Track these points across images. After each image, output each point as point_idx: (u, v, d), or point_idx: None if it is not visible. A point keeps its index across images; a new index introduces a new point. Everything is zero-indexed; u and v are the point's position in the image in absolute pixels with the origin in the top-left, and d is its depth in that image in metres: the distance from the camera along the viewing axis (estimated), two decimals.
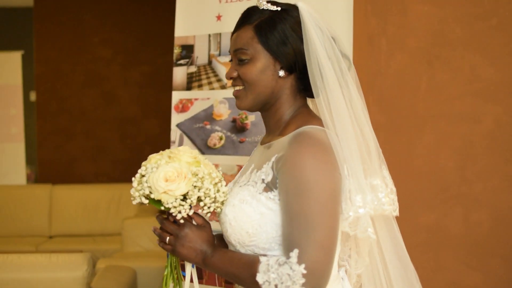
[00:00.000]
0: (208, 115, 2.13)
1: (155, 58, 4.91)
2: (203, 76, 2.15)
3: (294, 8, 1.30)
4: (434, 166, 1.93)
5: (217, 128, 2.11)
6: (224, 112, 2.10)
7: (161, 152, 1.30)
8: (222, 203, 1.26)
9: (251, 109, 1.33)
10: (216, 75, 2.12)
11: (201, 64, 2.15)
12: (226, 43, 2.11)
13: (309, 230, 1.15)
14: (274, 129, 1.34)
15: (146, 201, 1.25)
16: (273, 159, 1.23)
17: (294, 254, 1.14)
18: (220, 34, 2.12)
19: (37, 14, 4.90)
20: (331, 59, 1.28)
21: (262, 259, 1.18)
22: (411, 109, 2.01)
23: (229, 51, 1.36)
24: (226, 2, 2.11)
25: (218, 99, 2.11)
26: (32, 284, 2.50)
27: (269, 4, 1.29)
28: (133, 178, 1.27)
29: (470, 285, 1.89)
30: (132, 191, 1.27)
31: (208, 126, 2.12)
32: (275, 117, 1.34)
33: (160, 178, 1.22)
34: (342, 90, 1.28)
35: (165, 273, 1.38)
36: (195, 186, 1.23)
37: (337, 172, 1.21)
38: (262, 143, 1.40)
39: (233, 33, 1.33)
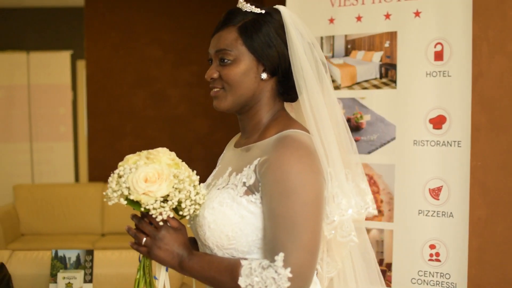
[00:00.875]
0: None
1: (205, 58, 4.95)
2: None
3: (277, 11, 1.31)
4: None
5: None
6: None
7: (138, 153, 1.29)
8: (200, 205, 1.24)
9: (230, 111, 1.31)
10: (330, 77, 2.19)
11: None
12: (339, 45, 2.18)
13: (295, 233, 1.14)
14: (251, 131, 1.33)
15: (125, 202, 1.22)
16: (255, 162, 1.22)
17: (280, 257, 1.13)
18: (333, 36, 2.20)
19: (88, 14, 4.95)
20: (311, 63, 1.29)
21: (243, 262, 1.17)
22: (511, 110, 2.09)
23: (209, 51, 1.33)
24: (339, 6, 2.19)
25: None
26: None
27: (253, 7, 1.29)
28: (109, 179, 1.23)
29: None
30: (109, 192, 1.23)
31: None
32: (253, 120, 1.33)
33: (140, 178, 1.19)
34: (323, 94, 1.30)
35: (137, 276, 1.33)
36: (175, 188, 1.21)
37: (322, 176, 1.22)
38: (237, 145, 1.39)
39: (214, 33, 1.32)
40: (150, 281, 1.32)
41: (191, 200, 1.22)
